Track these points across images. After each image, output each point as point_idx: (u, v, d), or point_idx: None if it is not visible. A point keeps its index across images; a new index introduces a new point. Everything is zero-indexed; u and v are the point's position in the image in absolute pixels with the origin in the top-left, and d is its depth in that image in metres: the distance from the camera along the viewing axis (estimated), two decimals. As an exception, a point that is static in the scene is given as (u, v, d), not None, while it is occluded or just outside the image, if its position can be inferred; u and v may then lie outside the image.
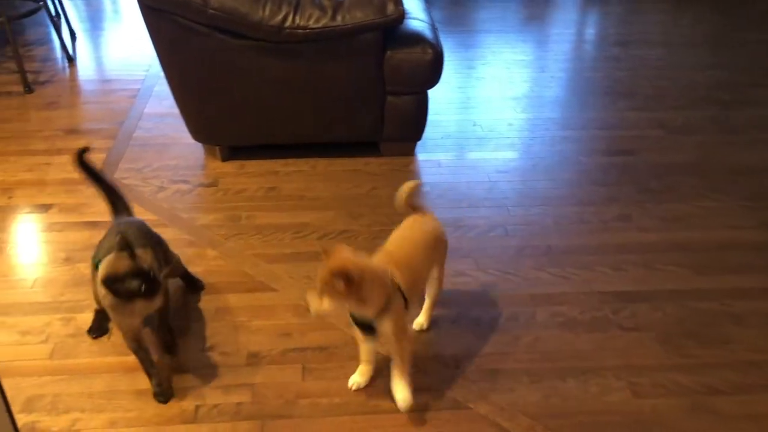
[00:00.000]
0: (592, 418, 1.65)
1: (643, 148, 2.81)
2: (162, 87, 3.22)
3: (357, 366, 1.73)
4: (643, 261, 2.19)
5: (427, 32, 2.56)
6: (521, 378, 1.76)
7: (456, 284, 2.08)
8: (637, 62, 3.59)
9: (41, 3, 3.41)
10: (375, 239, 2.27)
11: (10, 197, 2.46)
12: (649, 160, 2.73)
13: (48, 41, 3.76)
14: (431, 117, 2.94)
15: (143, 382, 1.72)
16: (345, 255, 1.44)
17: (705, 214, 2.42)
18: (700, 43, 3.83)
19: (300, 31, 2.33)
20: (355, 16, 2.34)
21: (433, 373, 1.77)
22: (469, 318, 1.95)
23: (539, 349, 1.85)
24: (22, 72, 3.18)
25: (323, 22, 2.34)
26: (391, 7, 2.37)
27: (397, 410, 1.63)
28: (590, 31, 4.03)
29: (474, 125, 2.98)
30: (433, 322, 1.93)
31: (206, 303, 1.99)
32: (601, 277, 2.11)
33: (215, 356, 1.80)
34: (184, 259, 2.14)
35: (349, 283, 1.39)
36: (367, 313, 1.50)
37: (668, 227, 2.35)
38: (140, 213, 2.37)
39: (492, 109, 3.10)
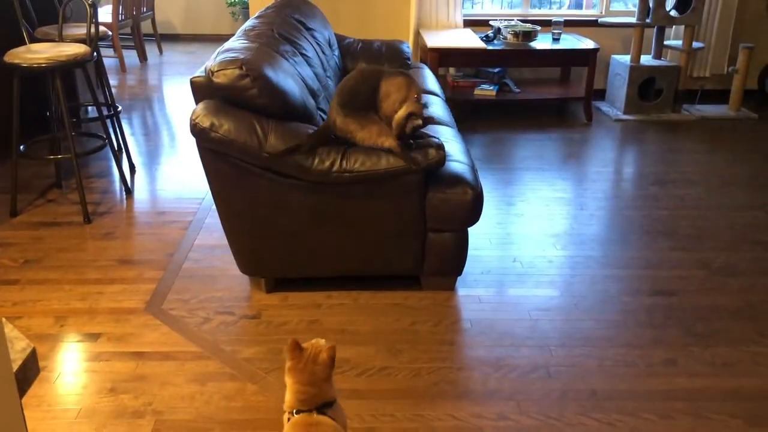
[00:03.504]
0: None
1: (686, 288, 2.80)
2: (213, 219, 3.37)
3: None
4: (691, 409, 2.12)
5: (467, 174, 2.66)
6: None
7: (497, 428, 2.03)
8: (676, 201, 3.63)
9: (106, 141, 3.67)
10: (415, 377, 2.26)
11: (62, 325, 2.54)
12: (693, 302, 2.70)
13: (109, 174, 4.00)
14: (471, 252, 2.99)
15: None
16: None
17: (755, 361, 2.35)
18: (738, 183, 3.87)
19: (347, 174, 2.46)
20: (398, 160, 2.46)
21: None
22: (511, 466, 1.90)
23: (586, 502, 1.78)
24: (83, 204, 3.37)
25: (368, 165, 2.46)
26: (432, 152, 2.50)
27: None
28: (628, 170, 4.12)
29: (514, 261, 3.01)
30: (474, 468, 1.87)
31: (245, 440, 1.98)
32: (648, 426, 2.05)
33: (251, 498, 1.77)
34: (224, 394, 2.16)
35: None
36: None
37: (717, 373, 2.29)
38: (184, 345, 2.42)
39: (532, 246, 3.15)
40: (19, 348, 0.78)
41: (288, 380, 1.70)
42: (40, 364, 2.27)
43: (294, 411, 1.66)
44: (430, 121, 2.58)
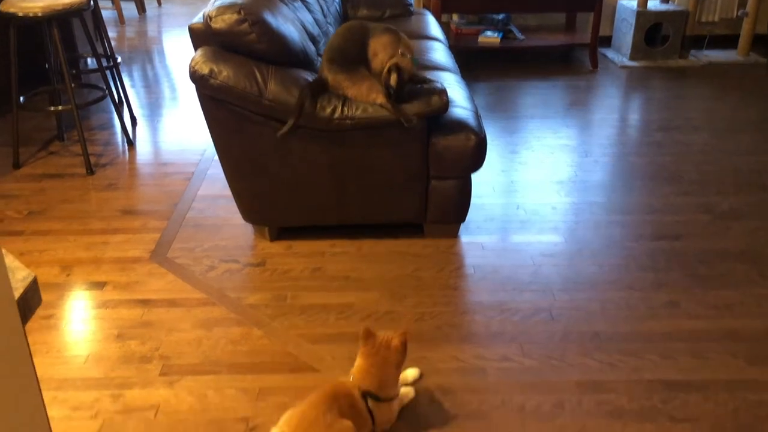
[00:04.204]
0: None
1: (690, 233, 2.79)
2: (215, 170, 3.36)
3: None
4: (692, 349, 2.14)
5: (471, 120, 2.64)
6: (568, 469, 1.72)
7: (500, 369, 2.06)
8: (681, 147, 3.60)
9: (106, 92, 3.64)
10: (418, 321, 2.28)
11: (68, 274, 2.56)
12: (696, 246, 2.70)
13: (110, 126, 3.98)
14: (475, 200, 2.99)
15: (187, 462, 1.74)
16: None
17: (756, 302, 2.36)
18: (745, 129, 3.83)
19: (348, 121, 2.44)
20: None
21: (477, 462, 1.74)
22: (513, 404, 1.93)
23: (586, 439, 1.81)
24: (85, 155, 3.36)
25: (370, 111, 2.44)
26: (435, 98, 2.47)
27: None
28: (634, 116, 4.08)
29: (517, 208, 3.01)
30: (476, 407, 1.90)
31: (251, 383, 2.01)
32: (649, 365, 2.07)
33: (258, 437, 1.81)
34: (231, 338, 2.19)
35: None
36: None
37: (718, 315, 2.30)
38: (190, 292, 2.44)
39: (536, 193, 3.14)
40: (20, 277, 0.78)
41: (360, 361, 1.81)
42: (47, 312, 2.31)
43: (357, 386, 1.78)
44: (417, 77, 2.54)
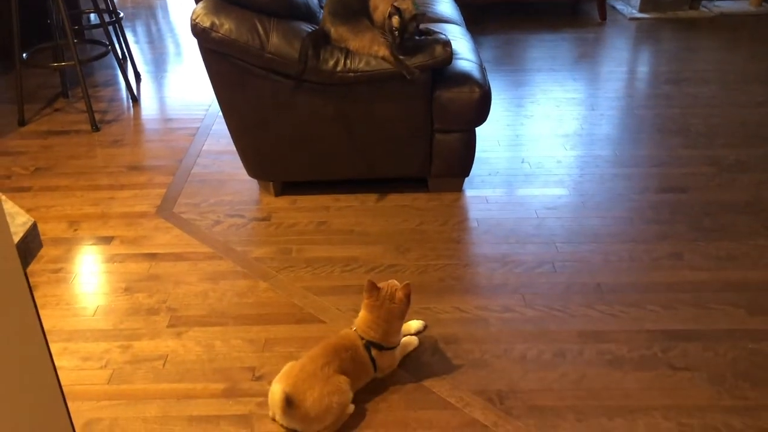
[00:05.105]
0: (640, 458, 1.63)
1: (695, 185, 2.78)
2: (220, 126, 3.36)
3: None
4: (694, 300, 2.15)
5: (475, 72, 2.61)
6: (567, 415, 1.75)
7: (502, 319, 2.08)
8: (689, 100, 3.56)
9: (109, 47, 3.62)
10: (422, 273, 2.30)
11: (75, 230, 2.59)
12: (701, 198, 2.69)
13: (115, 83, 3.97)
14: (479, 154, 2.98)
15: (195, 409, 1.78)
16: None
17: (759, 254, 2.37)
18: (754, 81, 3.78)
19: (351, 74, 2.42)
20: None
21: (478, 408, 1.77)
22: (514, 353, 1.95)
23: (586, 386, 1.84)
24: (90, 112, 3.36)
25: (373, 64, 2.42)
26: (439, 50, 2.44)
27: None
28: (642, 69, 4.02)
29: (522, 162, 3.00)
30: (478, 356, 1.94)
31: (257, 333, 2.05)
32: (651, 316, 2.09)
33: (266, 386, 1.85)
34: (237, 291, 2.22)
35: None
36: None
37: (721, 266, 2.31)
38: (196, 246, 2.47)
39: (541, 147, 3.12)
40: (20, 222, 0.79)
41: (364, 313, 1.83)
42: (56, 266, 2.34)
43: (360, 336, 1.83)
44: (420, 26, 2.50)
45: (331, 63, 2.42)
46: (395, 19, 2.35)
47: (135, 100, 3.72)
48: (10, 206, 0.82)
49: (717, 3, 5.03)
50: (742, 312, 2.10)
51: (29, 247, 0.79)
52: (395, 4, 2.36)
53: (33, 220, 0.80)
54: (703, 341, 1.98)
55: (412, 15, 2.38)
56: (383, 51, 2.41)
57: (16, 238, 0.77)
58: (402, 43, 2.39)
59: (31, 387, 0.79)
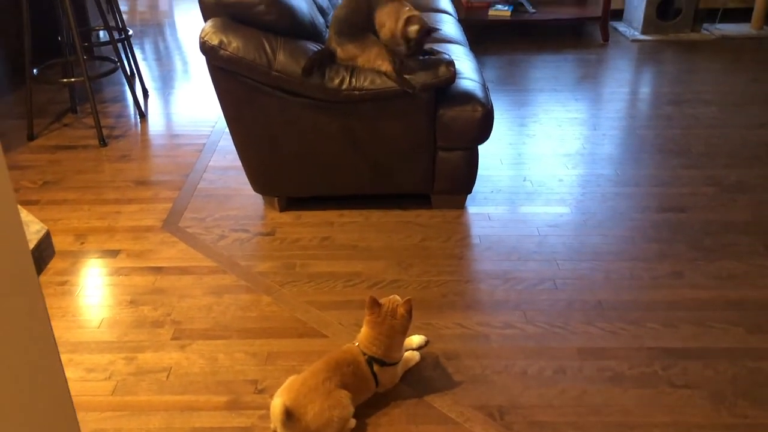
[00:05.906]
0: (639, 474, 1.63)
1: (696, 205, 2.80)
2: (226, 142, 3.40)
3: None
4: (695, 318, 2.17)
5: (478, 91, 2.65)
6: (566, 431, 1.76)
7: (503, 336, 2.10)
8: (690, 121, 3.59)
9: (118, 64, 3.67)
10: (424, 289, 2.32)
11: (82, 243, 2.62)
12: (702, 218, 2.71)
13: (123, 99, 4.02)
14: (482, 172, 3.01)
15: (198, 421, 1.80)
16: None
17: (759, 273, 2.38)
18: (754, 102, 3.81)
19: (356, 92, 2.46)
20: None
21: (478, 424, 1.78)
22: (515, 369, 1.97)
23: (586, 402, 1.85)
24: (98, 127, 3.41)
25: (378, 83, 2.46)
26: (443, 69, 2.48)
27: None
28: (644, 90, 4.06)
29: (524, 180, 3.03)
30: (479, 372, 1.95)
31: (260, 347, 2.07)
32: (651, 333, 2.10)
33: (268, 399, 1.86)
34: (240, 305, 2.24)
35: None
36: None
37: (721, 285, 2.33)
38: (201, 260, 2.50)
39: (543, 166, 3.15)
40: (34, 230, 0.82)
41: (366, 329, 1.85)
42: (62, 278, 2.37)
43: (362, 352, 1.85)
44: (434, 31, 2.54)
45: (337, 81, 2.46)
46: (414, 28, 2.38)
47: (142, 116, 3.77)
48: (24, 215, 0.85)
49: (718, 26, 5.08)
50: (742, 330, 2.11)
51: (43, 255, 0.81)
52: (408, 14, 2.40)
53: (46, 228, 0.83)
54: (704, 359, 1.99)
55: (428, 28, 2.42)
56: (386, 66, 2.45)
57: (31, 245, 0.80)
58: (412, 54, 2.43)
59: (43, 396, 0.81)
